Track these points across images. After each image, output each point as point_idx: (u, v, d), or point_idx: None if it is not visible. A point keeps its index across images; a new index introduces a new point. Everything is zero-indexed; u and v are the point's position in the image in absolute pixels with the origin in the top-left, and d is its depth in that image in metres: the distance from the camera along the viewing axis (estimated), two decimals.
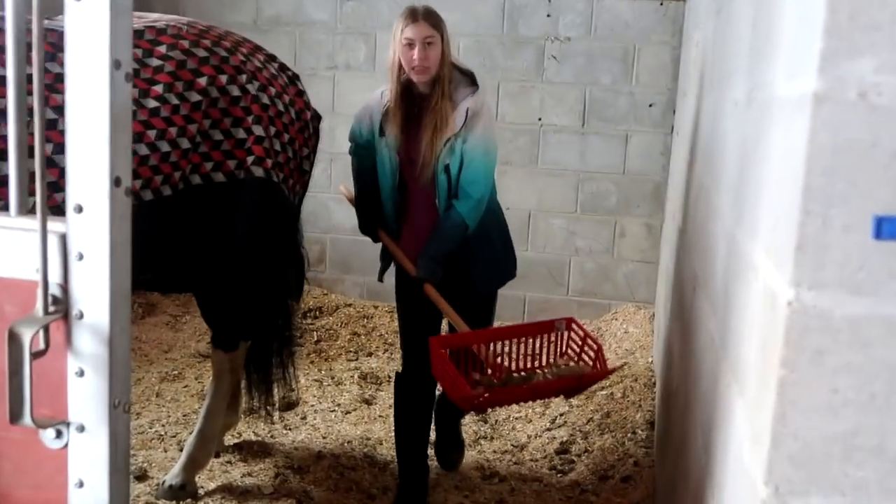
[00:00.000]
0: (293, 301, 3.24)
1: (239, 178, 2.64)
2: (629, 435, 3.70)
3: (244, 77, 2.65)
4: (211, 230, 2.66)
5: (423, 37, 2.79)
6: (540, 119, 5.02)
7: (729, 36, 2.23)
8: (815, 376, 1.04)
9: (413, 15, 2.83)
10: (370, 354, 4.70)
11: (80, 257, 1.16)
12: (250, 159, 2.63)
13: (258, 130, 2.66)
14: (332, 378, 4.31)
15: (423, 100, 2.92)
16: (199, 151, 2.55)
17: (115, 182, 1.14)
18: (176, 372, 4.28)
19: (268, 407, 3.45)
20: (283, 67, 2.95)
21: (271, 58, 2.92)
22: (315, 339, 4.84)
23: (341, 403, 4.02)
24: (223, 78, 2.60)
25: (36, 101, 1.09)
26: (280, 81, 2.84)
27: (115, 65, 1.12)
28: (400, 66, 2.86)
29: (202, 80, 2.54)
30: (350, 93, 5.14)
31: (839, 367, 1.03)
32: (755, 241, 1.35)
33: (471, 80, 2.95)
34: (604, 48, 4.91)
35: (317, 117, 3.04)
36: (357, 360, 4.61)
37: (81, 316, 1.17)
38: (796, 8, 1.19)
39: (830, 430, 1.05)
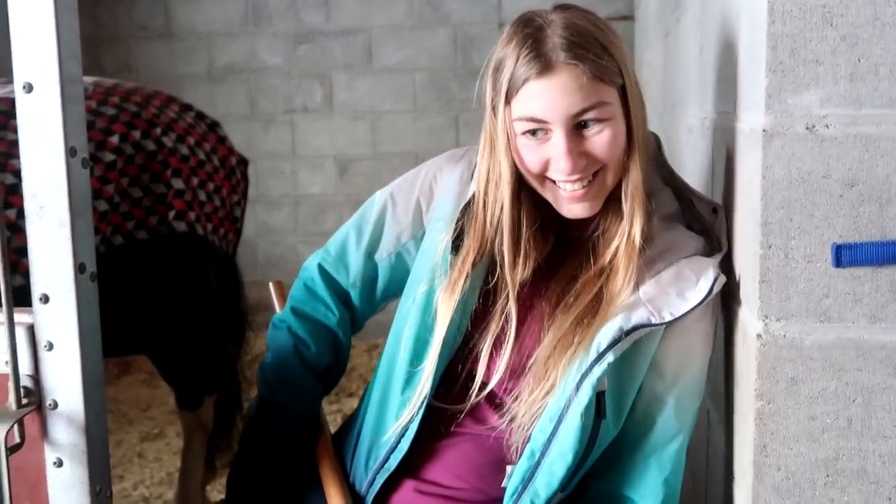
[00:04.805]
0: (232, 352, 3.01)
1: (162, 234, 2.55)
2: None
3: (158, 130, 2.57)
4: (138, 289, 2.57)
5: (575, 110, 1.18)
6: None
7: (678, 62, 2.26)
8: (791, 405, 1.06)
9: (545, 54, 1.20)
10: (351, 395, 4.67)
11: (50, 347, 1.14)
12: (171, 214, 2.56)
13: (178, 184, 2.57)
14: None
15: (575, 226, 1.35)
16: (120, 211, 2.47)
17: (80, 268, 1.13)
18: (157, 430, 4.22)
19: None
20: (200, 115, 2.86)
21: (187, 107, 2.84)
22: None
23: None
24: (136, 133, 2.52)
25: None
26: (198, 130, 2.76)
27: (71, 152, 1.11)
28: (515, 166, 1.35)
29: (114, 139, 2.45)
30: (309, 135, 5.14)
31: (814, 395, 1.05)
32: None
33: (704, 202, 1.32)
34: None
35: (243, 162, 2.96)
36: (339, 401, 4.58)
37: (55, 406, 1.15)
38: (740, 44, 1.21)
39: (812, 457, 1.06)
